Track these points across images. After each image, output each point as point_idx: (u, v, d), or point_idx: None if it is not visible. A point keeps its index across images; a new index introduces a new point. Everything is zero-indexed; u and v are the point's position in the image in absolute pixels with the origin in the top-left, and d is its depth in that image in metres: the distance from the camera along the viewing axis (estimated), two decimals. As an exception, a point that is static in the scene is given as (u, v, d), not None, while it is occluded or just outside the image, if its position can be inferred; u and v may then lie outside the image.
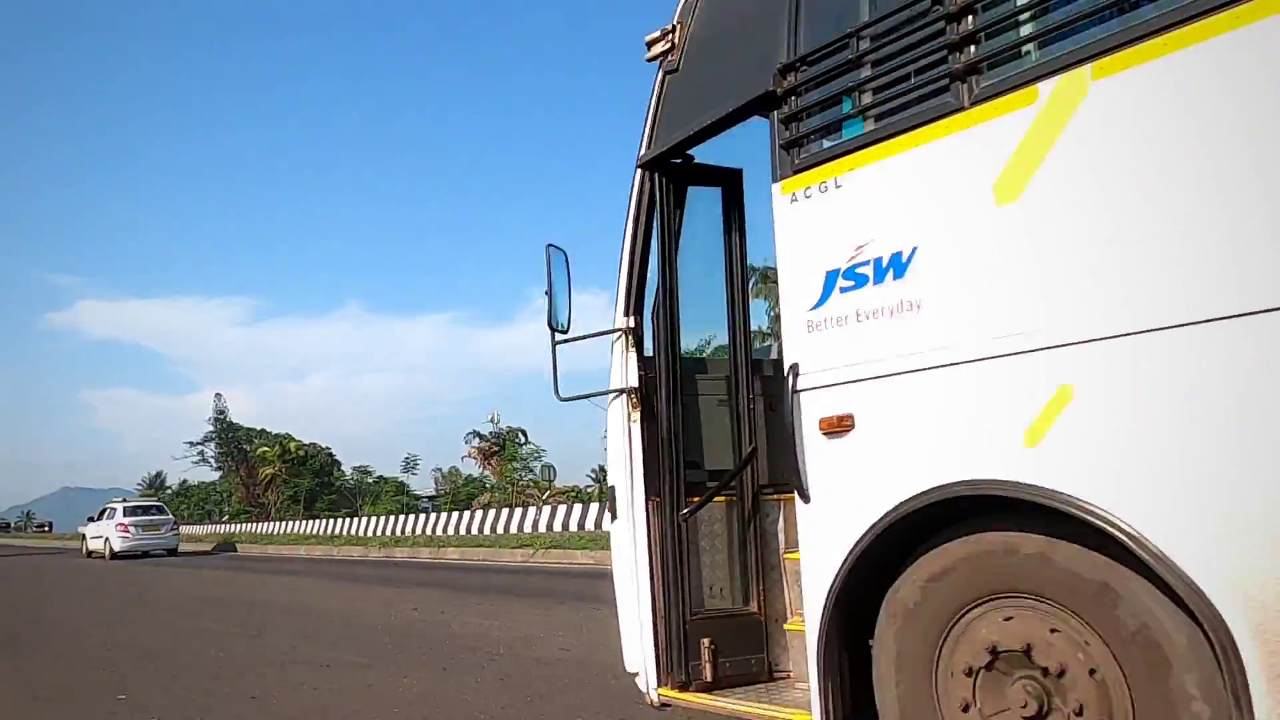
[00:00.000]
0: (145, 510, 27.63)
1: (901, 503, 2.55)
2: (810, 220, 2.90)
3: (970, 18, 2.54)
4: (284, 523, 40.74)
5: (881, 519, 2.59)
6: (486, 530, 26.32)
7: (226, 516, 56.30)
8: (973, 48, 2.54)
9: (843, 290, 2.78)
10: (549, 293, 3.76)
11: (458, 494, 47.64)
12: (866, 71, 2.84)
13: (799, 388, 2.86)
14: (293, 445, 57.53)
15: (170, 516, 28.48)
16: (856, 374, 2.72)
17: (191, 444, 59.73)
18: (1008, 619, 2.39)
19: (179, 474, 76.24)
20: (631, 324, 3.63)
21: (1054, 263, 2.30)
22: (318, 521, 36.82)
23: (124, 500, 29.06)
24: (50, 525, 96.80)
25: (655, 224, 3.60)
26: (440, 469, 56.26)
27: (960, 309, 2.49)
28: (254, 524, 43.50)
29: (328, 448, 59.82)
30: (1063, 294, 2.28)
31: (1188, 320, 2.04)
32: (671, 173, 3.61)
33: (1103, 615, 2.19)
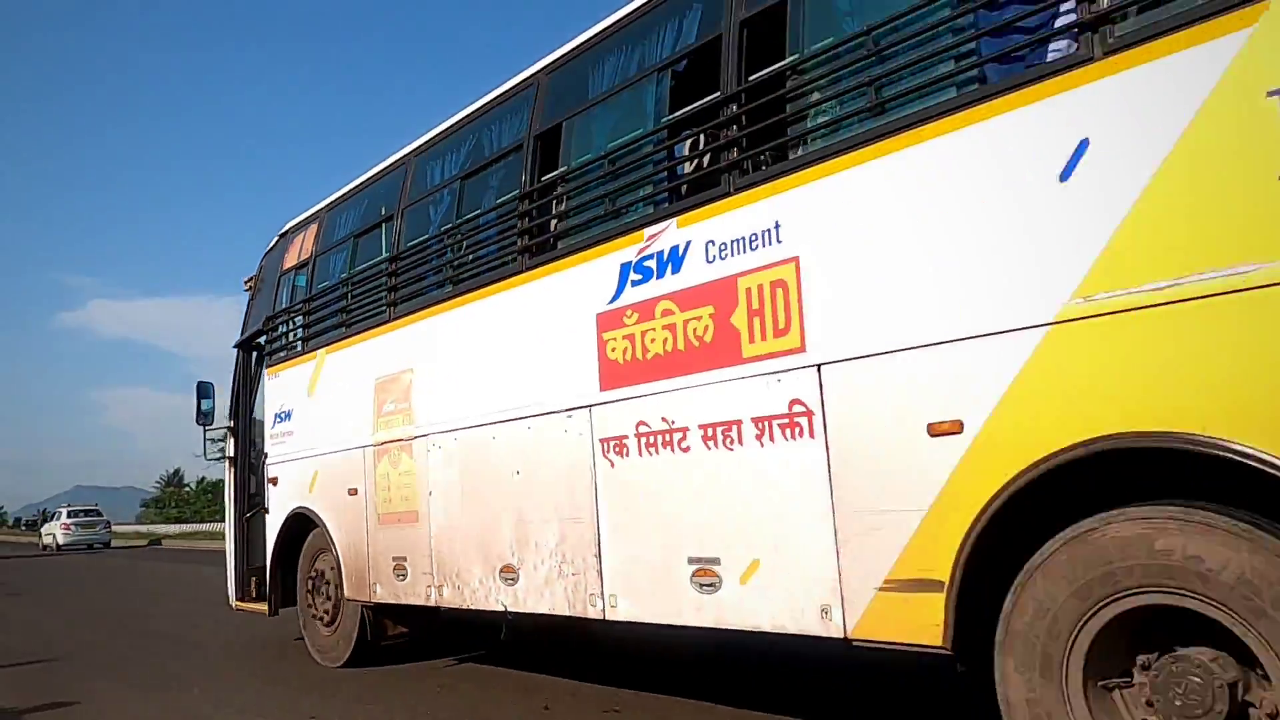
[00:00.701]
0: (85, 514, 34.02)
1: (288, 516, 6.26)
2: (274, 386, 6.59)
3: (324, 309, 6.20)
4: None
5: (284, 524, 6.29)
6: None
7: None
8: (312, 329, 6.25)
9: (276, 420, 6.49)
10: (199, 408, 7.41)
11: None
12: (298, 328, 6.52)
13: (266, 464, 6.57)
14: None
15: (104, 519, 33.89)
16: (276, 457, 6.43)
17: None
18: None
19: (200, 470, 71.53)
20: (232, 424, 7.29)
21: (338, 419, 5.92)
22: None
23: (68, 505, 35.83)
24: (37, 520, 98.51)
25: (241, 374, 7.27)
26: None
27: (306, 434, 6.17)
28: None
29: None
30: (345, 430, 5.92)
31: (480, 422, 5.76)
32: (247, 349, 7.27)
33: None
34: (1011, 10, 2.78)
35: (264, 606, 6.71)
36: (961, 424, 2.72)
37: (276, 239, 7.05)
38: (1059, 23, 2.65)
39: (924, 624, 2.81)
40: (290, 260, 6.72)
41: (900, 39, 3.03)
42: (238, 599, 7.11)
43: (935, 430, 2.78)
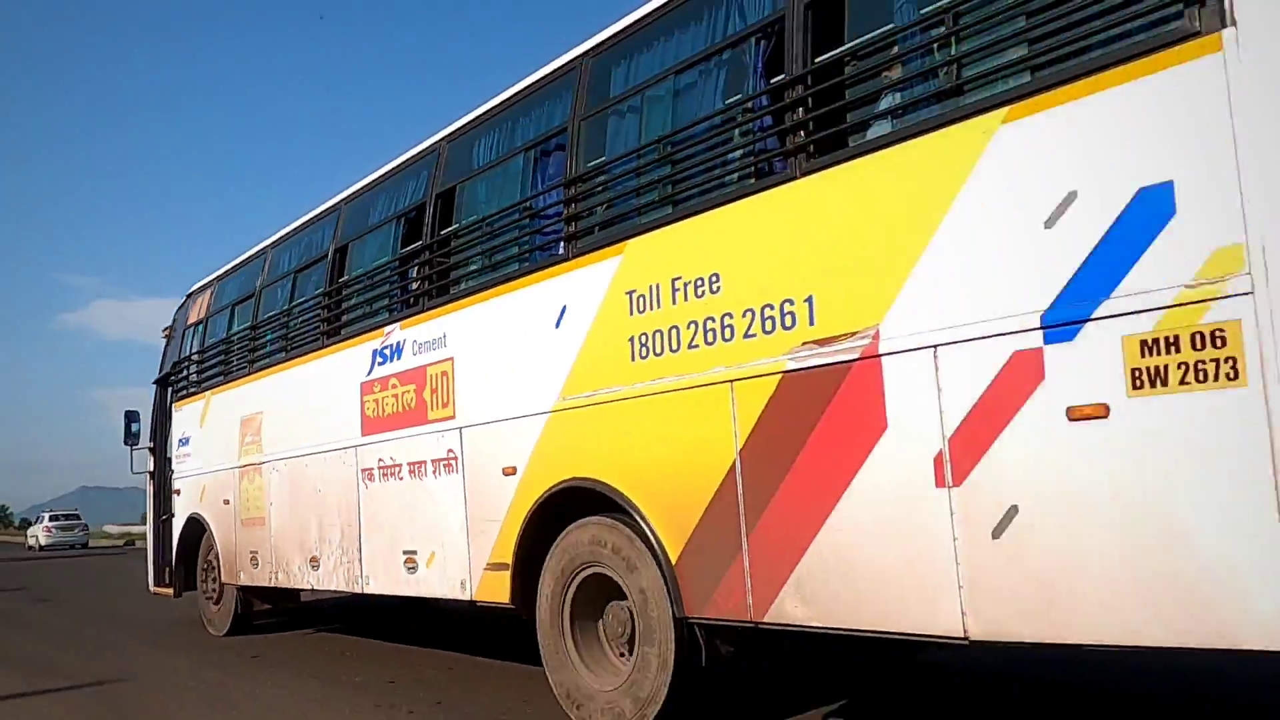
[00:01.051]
0: (64, 518, 37.21)
1: (186, 519, 8.05)
2: (178, 417, 8.38)
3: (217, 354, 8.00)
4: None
5: (184, 526, 8.09)
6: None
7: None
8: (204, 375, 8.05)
9: (179, 444, 8.29)
10: (129, 431, 9.19)
11: None
12: (194, 373, 8.30)
13: (172, 479, 8.36)
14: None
15: (82, 523, 36.85)
16: (178, 474, 8.22)
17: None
18: None
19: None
20: (152, 446, 9.07)
21: (218, 446, 7.68)
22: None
23: (50, 511, 40.19)
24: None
25: (159, 405, 9.05)
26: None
27: (199, 456, 7.96)
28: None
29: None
30: (222, 455, 7.72)
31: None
32: (163, 385, 9.05)
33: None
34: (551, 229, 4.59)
35: (171, 591, 8.51)
36: (516, 468, 4.53)
37: (185, 298, 8.83)
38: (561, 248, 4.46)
39: (503, 590, 4.60)
40: (193, 317, 8.51)
41: (492, 231, 4.84)
42: (154, 585, 8.90)
43: (506, 471, 4.58)
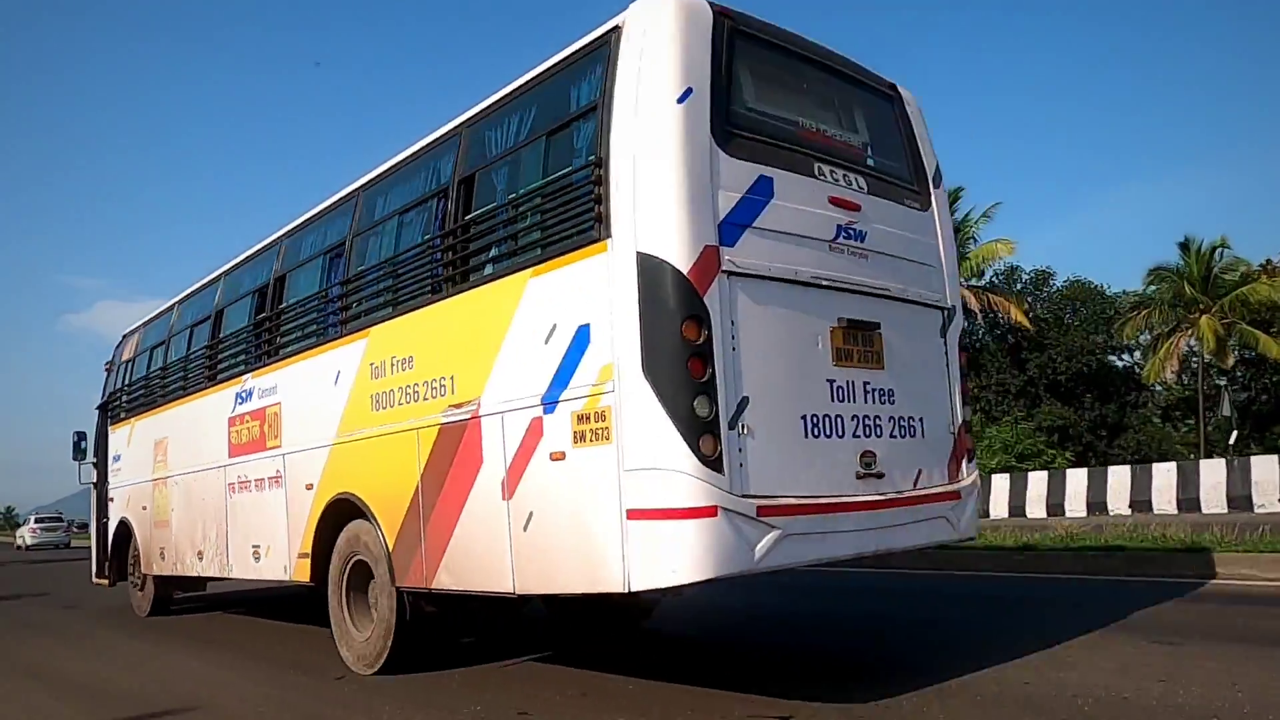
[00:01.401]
0: (49, 520, 40.56)
1: (118, 522, 9.85)
2: (113, 438, 10.18)
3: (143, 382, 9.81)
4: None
5: (116, 528, 9.89)
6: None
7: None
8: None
9: (113, 460, 10.09)
10: (78, 447, 10.99)
11: None
12: (124, 402, 10.10)
13: (108, 489, 10.16)
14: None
15: (64, 523, 40.32)
16: (113, 485, 10.02)
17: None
18: None
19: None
20: (95, 461, 10.86)
21: (139, 462, 9.47)
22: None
23: (36, 514, 43.54)
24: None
25: (101, 427, 10.85)
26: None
27: (127, 471, 9.75)
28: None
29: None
30: (142, 470, 9.52)
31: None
32: (104, 410, 10.84)
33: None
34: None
35: (108, 581, 10.32)
36: (313, 484, 6.31)
37: (121, 338, 10.62)
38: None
39: (307, 572, 6.38)
40: (125, 354, 10.32)
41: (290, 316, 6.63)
42: (95, 577, 10.70)
43: (308, 486, 6.36)
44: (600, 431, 4.13)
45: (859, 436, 4.50)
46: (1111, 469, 17.14)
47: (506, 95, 5.07)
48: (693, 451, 3.83)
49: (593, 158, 4.28)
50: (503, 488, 4.66)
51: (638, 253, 4.02)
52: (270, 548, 6.89)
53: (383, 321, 5.72)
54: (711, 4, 4.37)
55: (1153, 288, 31.23)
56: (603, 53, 4.40)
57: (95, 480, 10.84)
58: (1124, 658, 4.85)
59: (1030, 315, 30.16)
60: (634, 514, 3.96)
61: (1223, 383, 30.53)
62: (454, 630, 5.94)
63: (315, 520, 6.22)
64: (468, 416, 4.90)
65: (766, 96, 4.66)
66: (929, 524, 4.83)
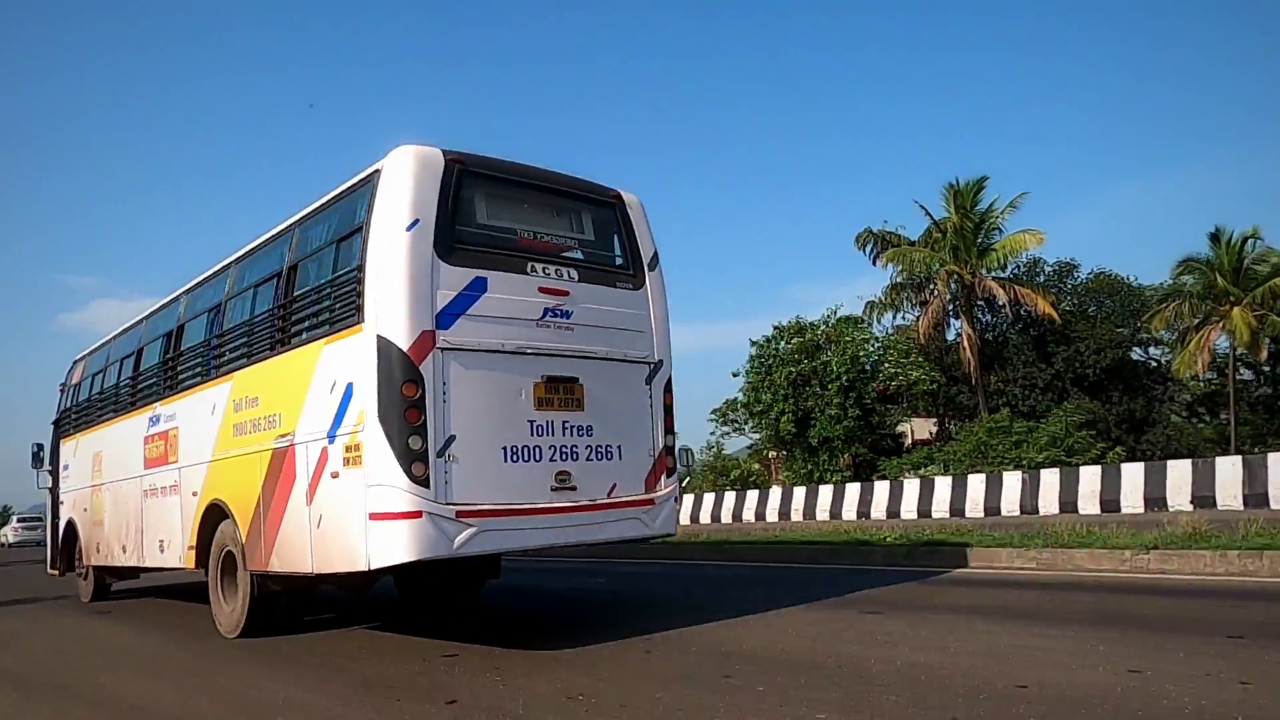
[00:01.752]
0: (31, 519, 42.50)
1: (66, 522, 11.63)
2: (64, 449, 11.95)
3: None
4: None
5: (65, 526, 11.66)
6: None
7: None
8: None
9: (64, 469, 11.87)
10: (37, 457, 12.77)
11: None
12: (70, 420, 11.87)
13: (60, 493, 11.93)
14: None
15: (44, 523, 40.59)
16: (62, 490, 11.79)
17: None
18: None
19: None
20: (51, 469, 12.64)
21: (81, 471, 11.26)
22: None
23: (17, 514, 46.98)
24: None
25: (54, 440, 12.62)
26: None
27: (73, 478, 11.52)
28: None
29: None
30: (83, 478, 11.29)
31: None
32: (57, 426, 12.61)
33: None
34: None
35: (58, 571, 12.08)
36: (198, 492, 8.07)
37: (73, 363, 12.39)
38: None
39: (194, 561, 8.14)
40: (73, 379, 12.09)
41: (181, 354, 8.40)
42: (50, 569, 12.47)
43: (194, 494, 8.12)
44: (357, 458, 5.90)
45: (555, 460, 6.28)
46: (1170, 463, 15.77)
47: (318, 206, 6.85)
48: (406, 474, 5.61)
49: (357, 264, 6.06)
50: (306, 496, 6.43)
51: (377, 335, 5.79)
52: (170, 542, 8.65)
53: (242, 368, 7.49)
54: (445, 153, 6.14)
55: (1183, 278, 29.90)
56: (369, 186, 6.17)
57: (50, 485, 12.60)
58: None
59: (1056, 308, 28.92)
60: (374, 516, 5.74)
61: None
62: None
63: (198, 520, 7.98)
64: (287, 444, 6.68)
65: (493, 214, 6.44)
66: (622, 523, 6.61)
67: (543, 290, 6.39)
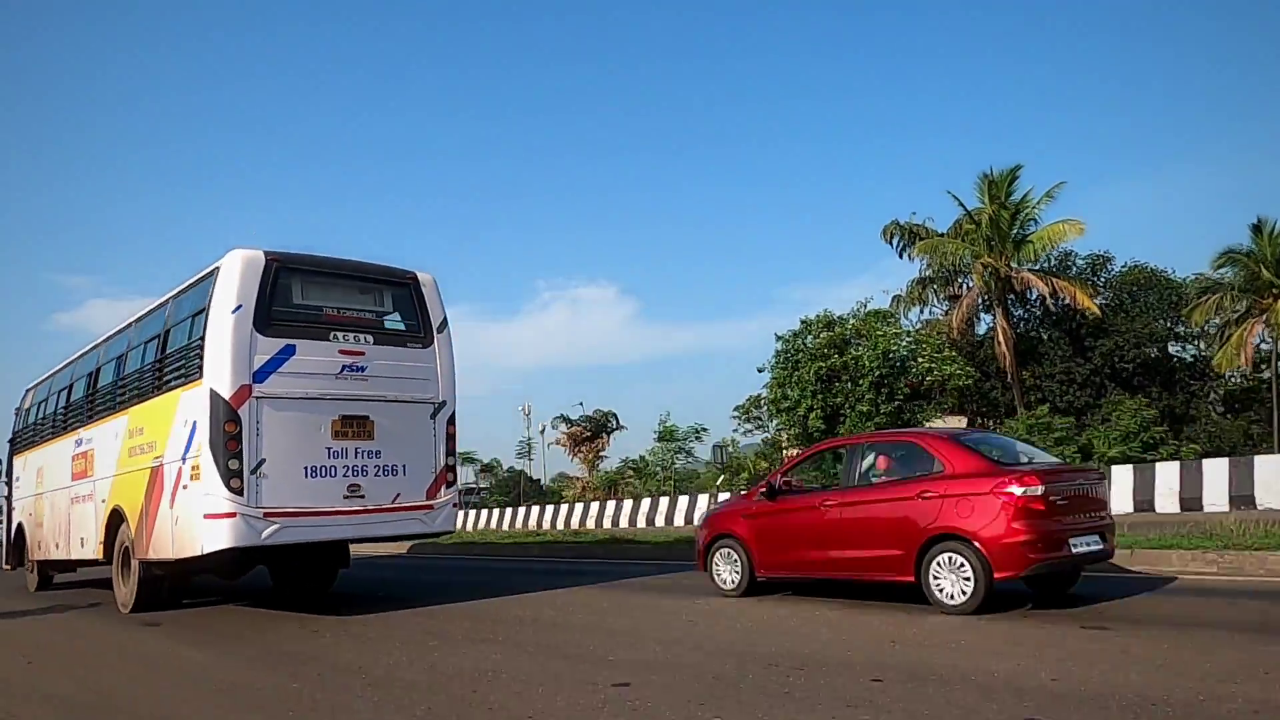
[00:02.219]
0: None
1: (17, 525, 13.93)
2: (16, 464, 14.27)
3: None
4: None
5: (15, 528, 13.98)
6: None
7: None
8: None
9: (16, 481, 14.19)
10: (4, 471, 15.08)
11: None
12: (20, 440, 14.19)
13: (11, 499, 14.25)
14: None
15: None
16: (14, 497, 14.10)
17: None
18: None
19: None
20: (6, 479, 14.94)
21: (28, 482, 13.55)
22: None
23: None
24: None
25: (10, 456, 14.93)
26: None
27: (23, 488, 13.82)
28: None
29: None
30: (29, 488, 13.60)
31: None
32: (12, 444, 14.91)
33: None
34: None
35: (10, 566, 14.37)
36: (106, 500, 10.39)
37: (25, 391, 14.70)
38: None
39: (103, 553, 10.45)
40: (26, 404, 14.42)
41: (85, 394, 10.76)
42: (4, 564, 14.77)
43: (104, 501, 10.44)
44: (197, 474, 8.24)
45: (347, 476, 8.62)
46: (1259, 458, 14.88)
47: (186, 286, 9.21)
48: (226, 486, 7.95)
49: (201, 335, 8.42)
50: (170, 502, 8.76)
51: (209, 388, 8.15)
52: (88, 539, 10.97)
53: (135, 405, 9.83)
54: (267, 253, 8.51)
55: (1223, 270, 28.44)
56: (213, 277, 8.53)
57: (6, 493, 14.90)
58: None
59: (1093, 301, 27.81)
60: (206, 516, 8.08)
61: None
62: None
63: (105, 522, 10.30)
64: (159, 464, 9.01)
65: (307, 296, 8.80)
66: (404, 522, 8.98)
67: (343, 351, 8.75)
